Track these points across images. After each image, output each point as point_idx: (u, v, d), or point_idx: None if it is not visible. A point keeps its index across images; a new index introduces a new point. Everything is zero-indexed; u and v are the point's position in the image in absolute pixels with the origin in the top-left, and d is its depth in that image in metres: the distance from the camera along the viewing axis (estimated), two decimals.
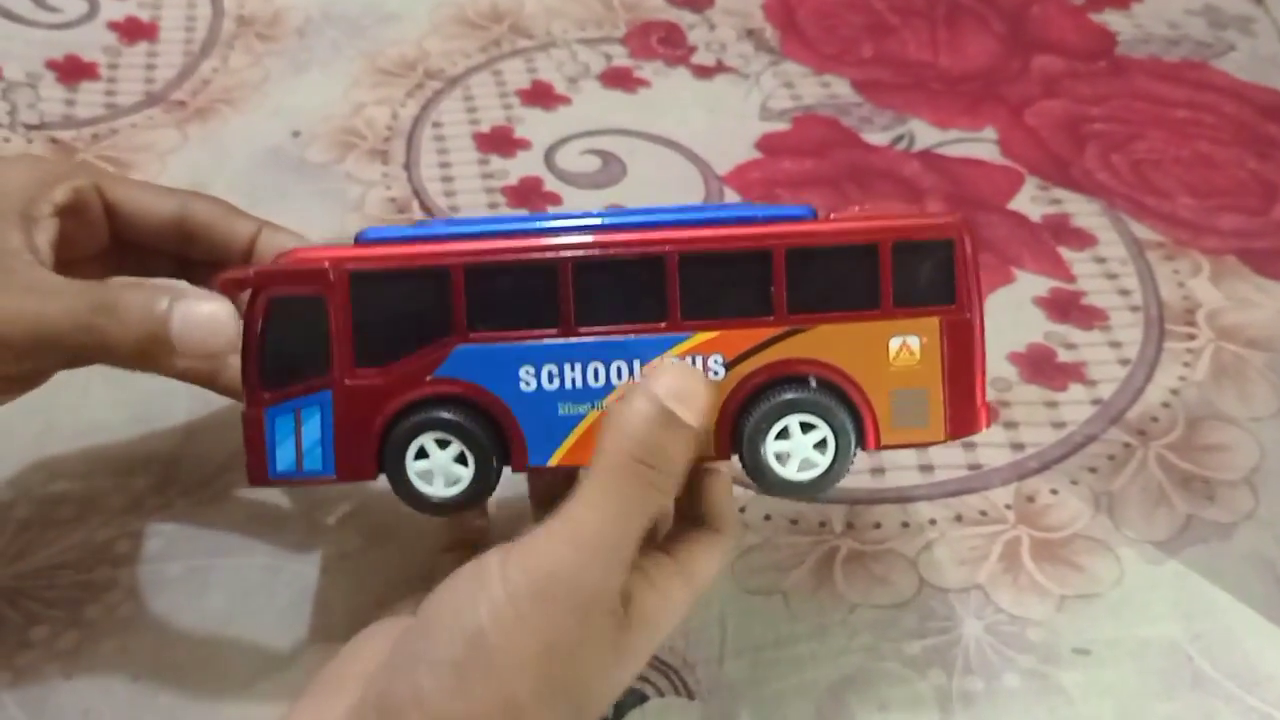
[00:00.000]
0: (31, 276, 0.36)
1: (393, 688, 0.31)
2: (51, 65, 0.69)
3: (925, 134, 0.69)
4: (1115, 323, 0.58)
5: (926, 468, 0.51)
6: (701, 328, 0.36)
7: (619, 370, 0.36)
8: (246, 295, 0.36)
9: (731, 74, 0.73)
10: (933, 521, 0.49)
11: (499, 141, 0.67)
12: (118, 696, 0.41)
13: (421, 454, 0.36)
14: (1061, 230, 0.63)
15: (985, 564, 0.47)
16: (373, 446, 0.36)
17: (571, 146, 0.67)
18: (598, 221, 0.37)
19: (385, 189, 0.63)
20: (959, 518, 0.49)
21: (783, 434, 0.36)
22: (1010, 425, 0.53)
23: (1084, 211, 0.64)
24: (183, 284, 0.37)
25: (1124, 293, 0.60)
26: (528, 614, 0.31)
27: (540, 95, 0.70)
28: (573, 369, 0.36)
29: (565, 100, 0.70)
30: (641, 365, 0.36)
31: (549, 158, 0.66)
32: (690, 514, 0.39)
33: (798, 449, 0.36)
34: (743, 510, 0.49)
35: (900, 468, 0.51)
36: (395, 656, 0.33)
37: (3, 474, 0.48)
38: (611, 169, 0.65)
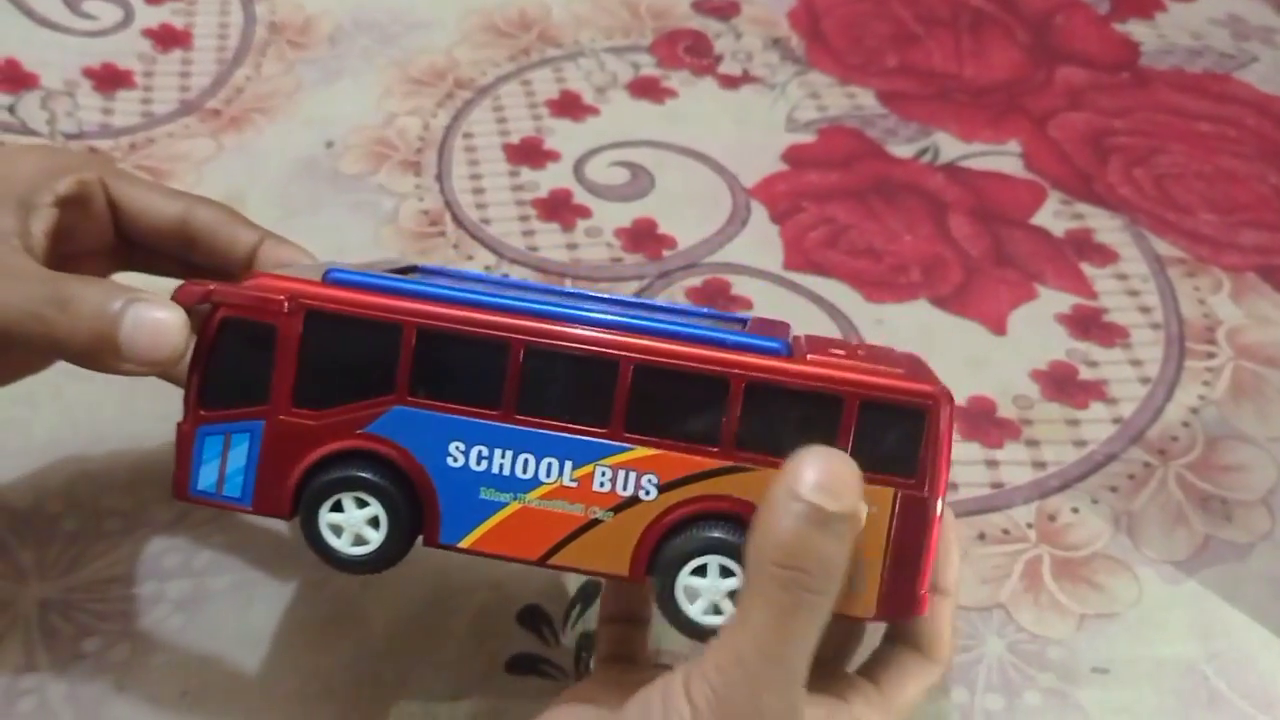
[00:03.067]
0: (8, 262, 0.36)
1: None
2: (89, 73, 0.70)
3: (950, 146, 0.70)
4: (1136, 340, 0.59)
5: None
6: (642, 443, 0.34)
7: (549, 467, 0.35)
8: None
9: (758, 84, 0.74)
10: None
11: (529, 153, 0.68)
12: (168, 709, 0.43)
13: (337, 507, 0.35)
14: (1084, 246, 0.64)
15: (1007, 583, 0.49)
16: (291, 486, 0.35)
17: (600, 158, 0.68)
18: (569, 312, 0.35)
19: (418, 201, 0.64)
20: (982, 536, 0.50)
21: (699, 570, 0.34)
22: (1032, 444, 0.54)
23: (1106, 227, 0.65)
24: (141, 290, 0.36)
25: (1145, 310, 0.61)
26: None
27: (569, 106, 0.71)
28: (503, 455, 0.35)
29: (594, 111, 0.71)
30: (574, 467, 0.35)
31: (578, 170, 0.67)
32: (901, 631, 0.38)
33: (709, 590, 0.34)
34: None
35: None
36: None
37: (52, 486, 0.49)
38: (640, 181, 0.66)
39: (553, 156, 0.68)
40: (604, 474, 0.35)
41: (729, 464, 0.34)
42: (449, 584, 0.47)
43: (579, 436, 0.35)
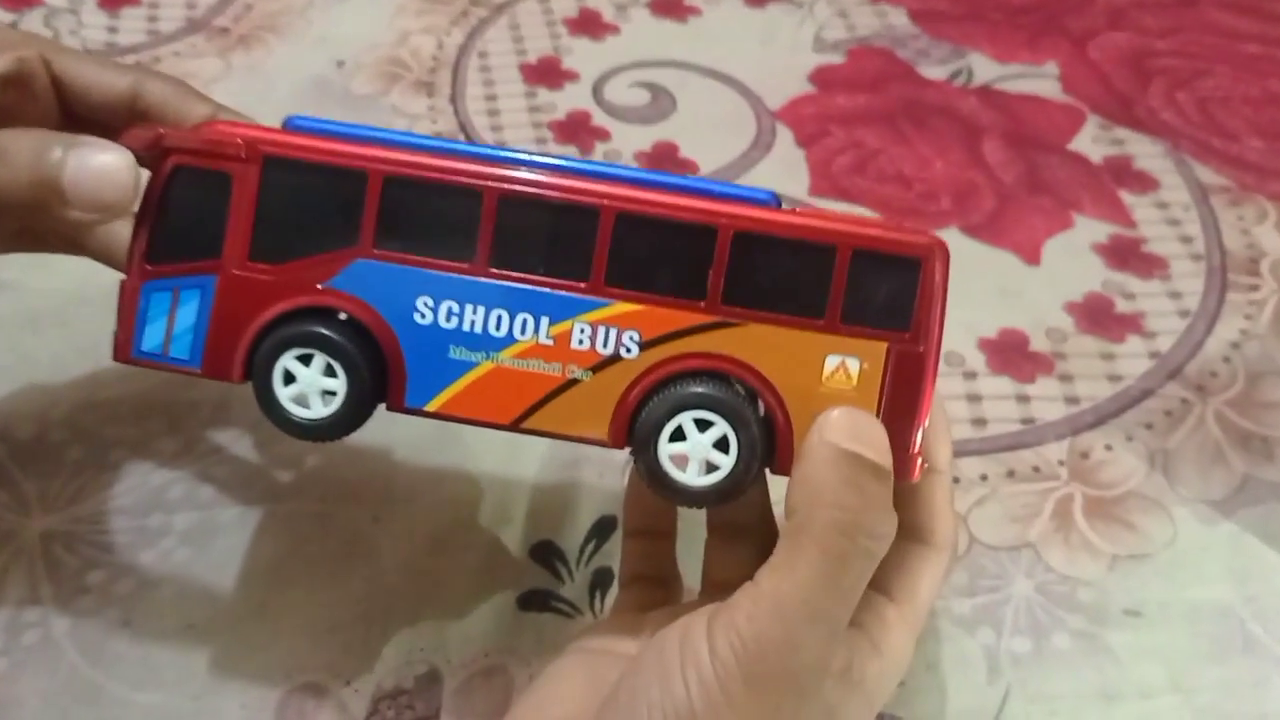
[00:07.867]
0: None
1: None
2: None
3: (984, 68, 0.67)
4: (1176, 271, 0.57)
5: (979, 421, 0.50)
6: (624, 298, 0.32)
7: (524, 324, 0.33)
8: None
9: (785, 2, 0.71)
10: (984, 477, 0.48)
11: (546, 73, 0.65)
12: (174, 643, 0.42)
13: (293, 370, 0.33)
14: (1123, 173, 0.61)
15: (1037, 521, 0.47)
16: (244, 347, 0.33)
17: (620, 79, 0.65)
18: (543, 161, 0.33)
19: (431, 123, 0.62)
20: (1011, 473, 0.49)
21: (678, 435, 0.32)
22: (1065, 378, 0.52)
23: (1147, 153, 0.63)
24: (84, 136, 0.34)
25: (1186, 240, 0.58)
26: (739, 699, 0.29)
27: (588, 24, 0.68)
28: (474, 311, 0.33)
29: (614, 29, 0.68)
30: (550, 324, 0.33)
31: (597, 91, 0.64)
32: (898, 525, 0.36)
33: (695, 449, 0.32)
34: None
35: (953, 421, 0.50)
36: None
37: (56, 415, 0.48)
38: (661, 103, 0.64)
39: (571, 77, 0.65)
40: (583, 331, 0.33)
41: (716, 319, 0.32)
42: (461, 518, 0.46)
43: (556, 291, 0.32)
